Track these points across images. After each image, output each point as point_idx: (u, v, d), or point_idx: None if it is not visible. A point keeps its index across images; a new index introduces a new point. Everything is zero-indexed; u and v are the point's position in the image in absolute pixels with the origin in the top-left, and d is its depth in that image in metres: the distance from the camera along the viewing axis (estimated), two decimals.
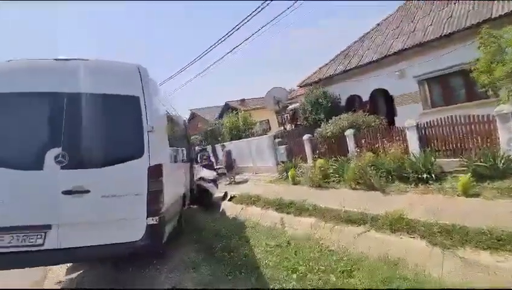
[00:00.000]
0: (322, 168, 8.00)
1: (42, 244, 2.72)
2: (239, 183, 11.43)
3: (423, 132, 6.73)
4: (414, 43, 8.97)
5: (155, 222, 2.98)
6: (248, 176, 12.17)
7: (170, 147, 4.31)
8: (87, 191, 2.85)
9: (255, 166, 12.42)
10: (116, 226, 2.89)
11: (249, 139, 13.01)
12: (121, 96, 3.12)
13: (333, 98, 11.30)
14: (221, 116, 24.00)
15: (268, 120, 23.77)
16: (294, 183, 8.75)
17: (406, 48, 9.21)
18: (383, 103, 11.16)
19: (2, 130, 2.89)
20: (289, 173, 8.99)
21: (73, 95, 3.00)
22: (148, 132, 3.08)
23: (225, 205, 9.26)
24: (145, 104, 3.13)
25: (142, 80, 3.20)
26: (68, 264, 4.12)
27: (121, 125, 3.11)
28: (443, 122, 6.39)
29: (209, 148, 16.81)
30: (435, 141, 6.54)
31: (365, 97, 11.13)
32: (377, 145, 7.53)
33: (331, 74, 11.64)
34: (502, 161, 5.22)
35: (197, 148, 15.39)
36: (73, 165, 2.86)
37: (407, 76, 9.64)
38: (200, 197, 9.46)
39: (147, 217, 2.96)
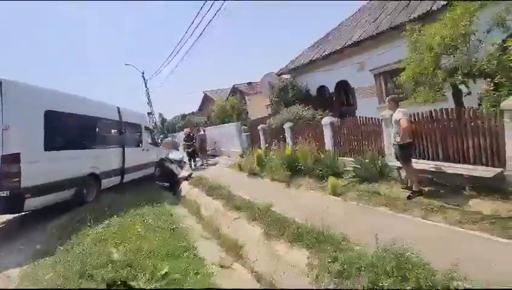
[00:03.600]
0: (259, 158, 8.59)
1: None
2: (211, 165, 12.46)
3: (337, 129, 6.91)
4: (368, 35, 8.70)
5: (6, 195, 4.22)
6: (220, 160, 13.12)
7: (67, 138, 5.45)
8: None
9: (228, 150, 13.28)
10: None
11: (223, 125, 13.77)
12: None
13: (300, 88, 11.42)
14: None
15: None
16: (240, 170, 9.50)
17: (361, 40, 8.96)
18: (347, 94, 11.00)
19: None
20: (236, 161, 9.74)
21: None
22: (3, 130, 4.20)
23: (183, 185, 10.42)
24: (1, 110, 4.24)
25: (2, 92, 4.30)
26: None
27: None
28: (350, 123, 6.53)
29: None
30: (344, 140, 6.72)
31: (331, 88, 11.06)
32: (303, 140, 7.85)
33: (302, 63, 11.65)
34: (379, 165, 5.39)
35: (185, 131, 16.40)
36: None
37: (365, 69, 9.41)
38: (164, 175, 10.76)
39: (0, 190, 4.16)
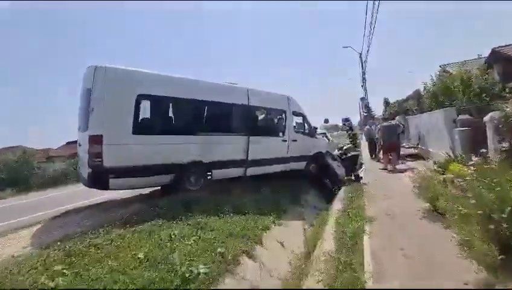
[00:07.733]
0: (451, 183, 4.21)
1: None
2: (397, 172, 8.46)
3: None
4: None
5: (89, 172, 4.71)
6: (418, 166, 8.44)
7: (164, 122, 5.51)
8: None
9: (435, 151, 8.20)
10: None
11: (431, 113, 8.53)
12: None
13: None
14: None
15: None
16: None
17: None
18: None
19: None
20: (422, 173, 5.50)
21: None
22: (89, 112, 4.64)
23: (341, 192, 7.69)
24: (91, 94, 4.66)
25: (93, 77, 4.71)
26: None
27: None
28: None
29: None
30: None
31: None
32: None
33: None
34: None
35: None
36: None
37: None
38: (320, 175, 8.53)
39: None
